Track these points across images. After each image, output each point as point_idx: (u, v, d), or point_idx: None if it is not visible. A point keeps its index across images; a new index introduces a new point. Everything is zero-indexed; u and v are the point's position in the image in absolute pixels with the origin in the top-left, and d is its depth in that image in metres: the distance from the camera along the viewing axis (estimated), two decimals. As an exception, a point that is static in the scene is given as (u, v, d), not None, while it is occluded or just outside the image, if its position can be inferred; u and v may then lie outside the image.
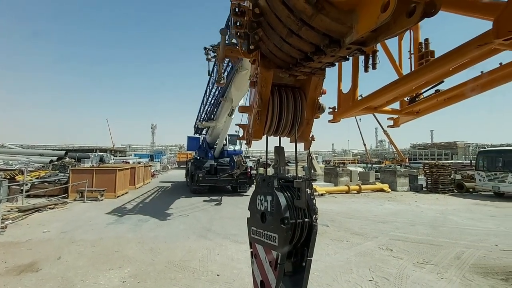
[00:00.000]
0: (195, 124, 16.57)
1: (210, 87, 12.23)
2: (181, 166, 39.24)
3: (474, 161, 17.02)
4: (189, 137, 18.15)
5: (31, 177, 13.72)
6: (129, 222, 8.02)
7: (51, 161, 20.83)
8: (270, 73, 2.03)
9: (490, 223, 8.66)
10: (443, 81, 2.05)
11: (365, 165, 31.69)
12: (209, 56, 2.73)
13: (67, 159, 22.94)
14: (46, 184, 12.40)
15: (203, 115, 14.12)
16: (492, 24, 1.34)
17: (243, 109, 2.20)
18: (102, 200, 11.58)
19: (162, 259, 5.28)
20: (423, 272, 4.88)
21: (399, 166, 21.52)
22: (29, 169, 15.93)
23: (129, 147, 68.23)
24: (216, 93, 11.25)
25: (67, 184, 12.03)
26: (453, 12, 1.69)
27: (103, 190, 11.89)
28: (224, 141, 14.02)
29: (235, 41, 2.37)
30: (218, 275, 4.57)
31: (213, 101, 12.10)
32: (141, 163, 26.09)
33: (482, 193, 15.47)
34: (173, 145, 71.08)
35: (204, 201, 12.00)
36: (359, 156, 57.49)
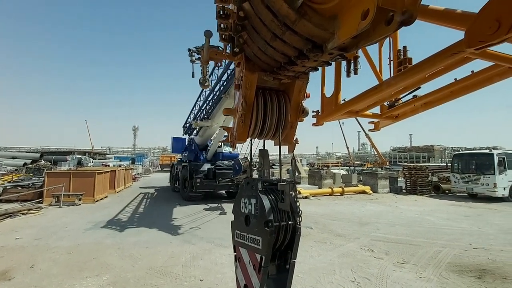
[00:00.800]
0: (185, 123, 15.66)
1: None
2: (164, 169, 38.42)
3: (450, 164, 17.82)
4: (174, 138, 16.90)
5: (3, 181, 12.95)
6: (108, 228, 7.74)
7: (25, 164, 19.79)
8: (255, 76, 2.04)
9: (464, 223, 9.09)
10: (420, 87, 2.14)
11: (348, 167, 32.43)
12: (193, 58, 2.70)
13: (42, 162, 21.90)
14: (19, 188, 11.75)
15: (199, 114, 12.70)
16: (464, 34, 1.42)
17: (227, 112, 2.19)
18: (79, 204, 11.11)
19: (143, 265, 5.12)
20: (403, 272, 5.03)
21: (380, 169, 22.19)
22: (0, 172, 15.05)
23: (110, 150, 66.08)
24: (217, 90, 10.12)
25: (42, 188, 11.46)
26: (429, 21, 1.77)
27: (81, 194, 11.43)
28: (219, 143, 12.95)
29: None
30: (201, 280, 4.49)
31: (215, 97, 10.74)
32: (122, 166, 25.32)
33: (457, 194, 16.22)
34: (156, 147, 69.60)
35: (204, 209, 10.71)
36: (342, 159, 58.75)
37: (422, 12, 1.62)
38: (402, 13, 1.14)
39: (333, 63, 2.28)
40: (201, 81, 2.50)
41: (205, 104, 12.07)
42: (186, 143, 15.95)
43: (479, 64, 2.19)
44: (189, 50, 2.94)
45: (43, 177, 12.38)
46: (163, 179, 24.47)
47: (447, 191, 16.74)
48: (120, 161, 37.79)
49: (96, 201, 11.82)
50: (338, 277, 4.73)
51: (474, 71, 1.91)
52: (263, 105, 2.19)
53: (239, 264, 2.21)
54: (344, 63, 2.40)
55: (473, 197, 15.30)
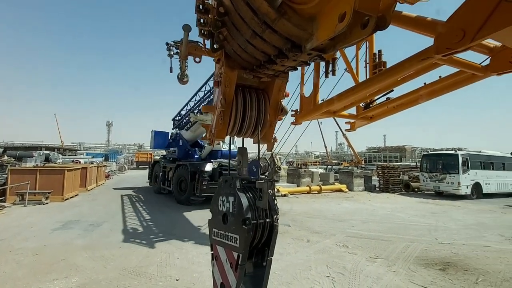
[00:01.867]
0: (176, 116, 13.95)
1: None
2: (140, 166, 37.12)
3: (419, 164, 18.88)
4: (156, 132, 14.92)
5: (-42, 178, 11.87)
6: (78, 228, 7.37)
7: (-15, 160, 18.27)
8: (234, 73, 2.03)
9: (431, 219, 9.67)
10: (392, 90, 2.25)
11: (325, 166, 33.27)
12: (171, 53, 2.60)
13: (6, 157, 20.35)
14: (-22, 186, 10.84)
15: (199, 106, 11.18)
16: (433, 41, 1.50)
17: (206, 109, 2.16)
18: (47, 203, 10.47)
19: (116, 266, 4.94)
20: (375, 266, 5.25)
21: (356, 168, 23.01)
22: (-45, 169, 13.80)
23: (81, 146, 62.78)
24: None
25: (4, 185, 10.65)
26: (402, 27, 1.85)
27: (49, 193, 10.77)
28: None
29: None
30: (177, 280, 4.41)
31: None
32: (94, 163, 24.17)
33: (425, 192, 17.22)
34: (131, 144, 67.09)
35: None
36: (320, 158, 60.19)
37: (396, 18, 1.68)
38: (377, 18, 1.18)
39: (312, 64, 2.31)
40: (179, 76, 2.42)
41: (209, 96, 10.56)
42: (170, 138, 14.48)
43: (447, 70, 2.34)
44: (167, 44, 2.83)
45: (5, 174, 11.50)
46: (139, 177, 23.69)
47: (416, 189, 17.72)
48: (93, 157, 36.06)
49: (66, 200, 11.20)
50: (314, 273, 4.85)
51: (442, 76, 2.03)
52: (243, 103, 2.19)
53: (216, 262, 2.20)
54: (322, 64, 2.45)
55: (440, 194, 16.32)
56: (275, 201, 2.24)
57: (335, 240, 6.91)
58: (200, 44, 2.15)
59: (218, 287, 2.19)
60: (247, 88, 2.28)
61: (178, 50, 2.32)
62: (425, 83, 2.04)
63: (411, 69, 1.70)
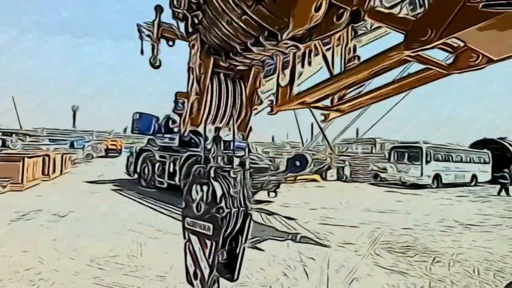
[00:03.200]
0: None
1: None
2: (109, 154, 35.31)
3: (388, 155, 20.01)
4: (141, 115, 12.79)
5: None
6: (41, 218, 6.95)
7: None
8: (210, 60, 1.97)
9: (396, 206, 10.39)
10: (364, 84, 2.32)
11: (300, 157, 34.03)
12: (143, 34, 2.44)
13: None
14: None
15: None
16: (403, 38, 1.55)
17: (180, 95, 2.09)
18: (4, 192, 9.71)
19: (84, 257, 4.75)
20: (343, 251, 5.57)
21: (330, 159, 23.85)
22: None
23: (43, 131, 58.34)
24: None
25: (-47, 174, 9.70)
26: (377, 22, 1.90)
27: (7, 180, 9.98)
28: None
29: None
30: (149, 269, 4.35)
31: None
32: (59, 150, 22.70)
33: (392, 182, 18.34)
34: (100, 130, 63.42)
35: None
36: (296, 149, 61.50)
37: (371, 12, 1.70)
38: (352, 11, 1.19)
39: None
40: (151, 60, 2.29)
41: None
42: (157, 123, 12.54)
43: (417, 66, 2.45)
44: (138, 25, 2.66)
45: (-45, 161, 10.47)
46: (109, 165, 22.67)
47: (384, 179, 18.82)
48: (57, 144, 33.78)
49: (26, 189, 10.46)
50: (287, 258, 5.02)
51: (410, 73, 2.12)
52: (218, 91, 2.15)
53: (189, 251, 2.19)
54: (299, 54, 2.45)
55: (404, 184, 17.48)
56: (249, 190, 2.26)
57: (307, 227, 7.19)
58: (174, 27, 2.06)
59: (190, 275, 2.20)
60: (223, 76, 2.23)
61: (150, 33, 2.18)
62: (394, 79, 2.13)
63: (383, 63, 1.76)
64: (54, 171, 14.11)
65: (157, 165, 11.73)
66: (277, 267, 4.67)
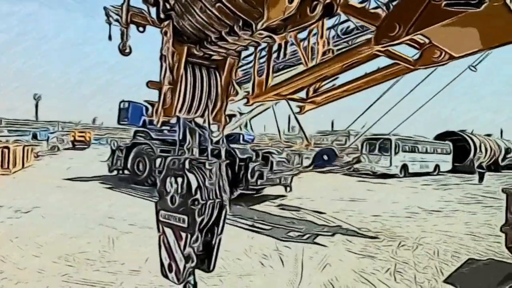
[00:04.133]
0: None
1: None
2: (77, 146, 33.35)
3: (361, 146, 20.90)
4: (130, 103, 11.58)
5: None
6: (1, 215, 6.46)
7: None
8: (183, 48, 1.91)
9: (366, 195, 10.93)
10: (338, 77, 2.38)
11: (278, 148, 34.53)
12: (111, 19, 2.27)
13: None
14: None
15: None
16: (373, 33, 1.60)
17: (152, 85, 2.01)
18: (-42, 188, 8.89)
19: (51, 254, 4.51)
20: (317, 238, 5.79)
21: (306, 150, 24.41)
22: None
23: (1, 121, 53.65)
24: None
25: None
26: (351, 16, 1.94)
27: (-40, 176, 9.12)
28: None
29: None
30: (122, 264, 4.24)
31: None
32: (20, 141, 21.04)
33: (364, 172, 19.22)
34: (67, 121, 59.48)
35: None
36: (273, 140, 62.18)
37: (344, 6, 1.73)
38: (325, 4, 1.21)
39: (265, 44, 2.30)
40: (120, 47, 2.15)
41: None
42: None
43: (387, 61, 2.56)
44: (105, 8, 2.46)
45: None
46: (80, 159, 21.45)
47: (356, 169, 19.67)
48: (17, 135, 31.26)
49: (-17, 184, 9.65)
50: (262, 248, 5.13)
51: (380, 67, 2.21)
52: (193, 81, 2.09)
53: (163, 244, 2.16)
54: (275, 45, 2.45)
55: (375, 174, 18.40)
56: (225, 181, 2.26)
57: (283, 215, 7.37)
58: (145, 12, 1.96)
59: (165, 268, 2.18)
60: (198, 65, 2.17)
61: (118, 17, 2.03)
62: (365, 73, 2.21)
63: (354, 57, 1.81)
64: (15, 164, 13.09)
65: (159, 160, 10.43)
66: (254, 257, 4.76)
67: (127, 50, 2.32)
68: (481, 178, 16.19)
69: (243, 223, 6.55)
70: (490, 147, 24.54)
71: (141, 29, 2.07)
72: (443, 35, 1.54)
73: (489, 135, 28.03)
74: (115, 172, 12.32)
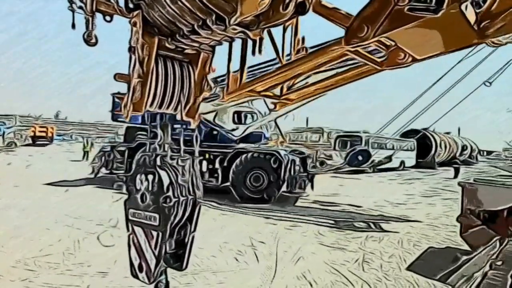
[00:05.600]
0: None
1: None
2: (38, 142, 30.79)
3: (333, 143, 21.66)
4: None
5: None
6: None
7: None
8: (154, 40, 1.84)
9: (339, 190, 11.37)
10: (310, 75, 2.44)
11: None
12: (74, 6, 2.09)
13: None
14: None
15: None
16: (344, 33, 1.66)
17: (120, 77, 1.91)
18: None
19: (9, 257, 4.17)
20: (291, 234, 5.93)
21: (281, 146, 24.78)
22: None
23: None
24: None
25: None
26: (322, 16, 1.99)
27: None
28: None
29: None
30: (89, 266, 4.03)
31: None
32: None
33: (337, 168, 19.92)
34: (25, 115, 54.66)
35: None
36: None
37: (316, 6, 1.77)
38: (298, 2, 1.23)
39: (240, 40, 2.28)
40: (85, 36, 2.00)
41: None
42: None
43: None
44: None
45: None
46: (40, 156, 19.91)
47: (329, 166, 20.34)
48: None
49: None
50: (237, 244, 5.14)
51: (350, 67, 2.30)
52: (164, 74, 2.02)
53: (133, 243, 2.09)
54: (250, 42, 2.44)
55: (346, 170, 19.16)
56: (199, 177, 2.23)
57: (258, 212, 7.44)
58: (112, 1, 1.85)
59: (135, 268, 2.11)
60: (170, 58, 2.11)
61: (83, 4, 1.88)
62: (336, 72, 2.28)
63: (326, 56, 1.86)
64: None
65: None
66: (229, 254, 4.76)
67: (93, 40, 2.18)
68: (456, 173, 17.55)
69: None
70: (449, 144, 26.64)
71: (108, 18, 1.96)
72: (407, 38, 1.63)
73: (448, 133, 30.35)
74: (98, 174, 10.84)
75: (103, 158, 10.87)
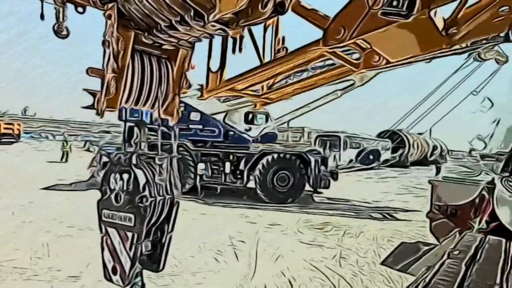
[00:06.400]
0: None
1: None
2: (3, 140, 28.53)
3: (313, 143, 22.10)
4: None
5: None
6: None
7: None
8: (130, 34, 1.77)
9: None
10: (290, 75, 2.47)
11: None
12: None
13: None
14: None
15: None
16: (322, 34, 1.69)
17: (93, 72, 1.83)
18: None
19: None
20: (271, 232, 5.98)
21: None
22: None
23: None
24: None
25: None
26: (303, 17, 2.02)
27: None
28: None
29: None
30: (59, 271, 3.83)
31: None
32: None
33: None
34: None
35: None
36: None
37: (295, 6, 1.79)
38: (276, 1, 1.23)
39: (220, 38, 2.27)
40: (55, 28, 1.87)
41: None
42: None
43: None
44: None
45: None
46: (5, 155, 18.58)
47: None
48: None
49: None
50: (218, 244, 5.11)
51: (329, 67, 2.35)
52: (141, 70, 1.96)
53: (106, 245, 2.01)
54: (231, 40, 2.43)
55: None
56: (177, 176, 2.19)
57: (237, 212, 7.45)
58: (84, -11, 1.76)
59: (109, 271, 2.03)
60: (147, 54, 2.04)
61: None
62: (314, 72, 2.33)
63: (305, 57, 1.90)
64: None
65: (201, 165, 9.23)
66: (208, 254, 4.72)
67: (64, 32, 2.06)
68: (438, 171, 18.45)
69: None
70: (421, 144, 28.07)
71: (80, 9, 1.86)
72: (381, 41, 1.69)
73: (420, 133, 31.98)
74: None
75: (104, 160, 9.53)
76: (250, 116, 9.67)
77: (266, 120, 10.08)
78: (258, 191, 8.85)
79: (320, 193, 9.91)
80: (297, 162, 8.92)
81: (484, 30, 1.66)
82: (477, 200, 2.37)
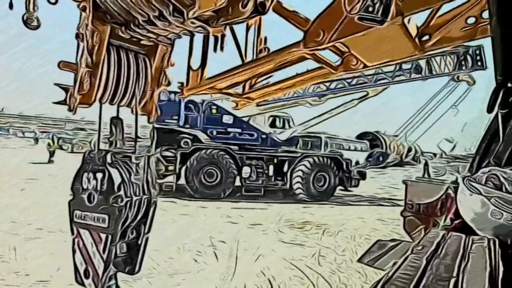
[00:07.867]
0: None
1: None
2: None
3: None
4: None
5: None
6: None
7: None
8: (106, 28, 1.71)
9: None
10: (272, 75, 2.49)
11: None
12: None
13: None
14: None
15: None
16: (303, 36, 1.72)
17: (64, 66, 1.74)
18: None
19: None
20: (252, 232, 5.99)
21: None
22: None
23: None
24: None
25: None
26: (283, 17, 2.03)
27: None
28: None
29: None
30: (27, 275, 3.61)
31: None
32: None
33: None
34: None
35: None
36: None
37: (277, 7, 1.81)
38: (257, 1, 1.24)
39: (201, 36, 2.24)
40: (25, 18, 1.75)
41: None
42: (201, 110, 9.31)
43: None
44: None
45: None
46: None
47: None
48: None
49: None
50: (197, 244, 5.04)
51: (309, 69, 2.39)
52: (117, 65, 1.89)
53: (78, 248, 1.93)
54: (213, 38, 2.41)
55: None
56: (154, 176, 2.14)
57: (219, 212, 7.40)
58: (56, -20, 1.68)
59: (81, 274, 1.94)
60: (124, 49, 1.98)
61: None
62: (296, 73, 2.36)
63: (286, 57, 1.92)
64: None
65: (247, 169, 9.34)
66: (188, 254, 4.65)
67: (34, 23, 1.94)
68: (425, 171, 19.20)
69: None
70: (397, 146, 29.29)
71: (52, 0, 1.77)
72: (359, 46, 1.75)
73: (396, 136, 33.35)
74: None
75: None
76: (277, 120, 10.40)
77: (289, 125, 10.69)
78: (302, 191, 9.39)
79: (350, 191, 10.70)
80: (332, 164, 9.93)
81: (453, 38, 1.76)
82: (443, 199, 2.51)
